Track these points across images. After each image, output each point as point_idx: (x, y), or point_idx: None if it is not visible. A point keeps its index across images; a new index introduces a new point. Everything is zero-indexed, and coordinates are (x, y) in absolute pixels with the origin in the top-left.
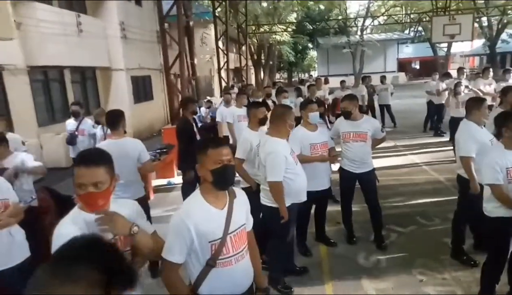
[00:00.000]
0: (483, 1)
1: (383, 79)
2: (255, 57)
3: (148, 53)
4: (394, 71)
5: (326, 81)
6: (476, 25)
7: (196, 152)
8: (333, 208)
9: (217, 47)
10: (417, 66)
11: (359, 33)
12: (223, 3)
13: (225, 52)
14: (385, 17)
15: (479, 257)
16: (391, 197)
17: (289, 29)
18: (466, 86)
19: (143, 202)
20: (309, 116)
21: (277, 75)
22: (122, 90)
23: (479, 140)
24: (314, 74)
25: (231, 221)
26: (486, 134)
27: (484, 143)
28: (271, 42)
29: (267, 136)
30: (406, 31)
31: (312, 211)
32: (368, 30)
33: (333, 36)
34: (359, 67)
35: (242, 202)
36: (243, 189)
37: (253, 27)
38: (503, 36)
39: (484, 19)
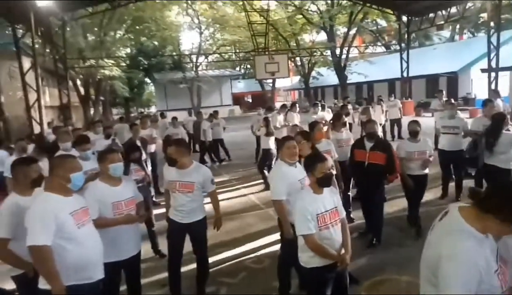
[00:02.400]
0: (295, 44)
1: (215, 114)
2: (82, 93)
3: None
4: (230, 105)
5: (155, 119)
6: (293, 64)
7: None
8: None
9: (24, 82)
10: (250, 100)
11: (194, 69)
12: (32, 32)
13: (35, 88)
14: (217, 55)
15: None
16: (221, 238)
17: (123, 64)
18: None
19: None
20: (110, 169)
21: (115, 111)
22: None
23: (290, 181)
24: (153, 109)
25: None
26: (297, 173)
27: (295, 184)
28: (99, 77)
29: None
30: (238, 68)
31: None
32: (203, 67)
33: (169, 71)
34: (197, 101)
35: None
36: (13, 277)
37: (79, 61)
38: (313, 73)
39: (298, 59)
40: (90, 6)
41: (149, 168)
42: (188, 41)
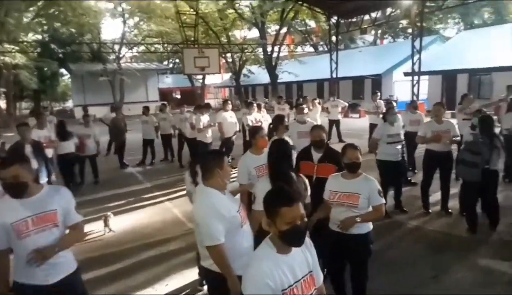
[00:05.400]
0: (226, 39)
1: (146, 111)
2: None
3: None
4: (157, 101)
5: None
6: (223, 60)
7: None
8: None
9: None
10: (178, 96)
11: (116, 61)
12: None
13: None
14: (143, 47)
15: None
16: (137, 274)
17: (31, 51)
18: None
19: None
20: None
21: (24, 105)
22: None
23: (226, 216)
24: (70, 103)
25: None
26: (231, 203)
27: (234, 219)
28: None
29: None
30: (166, 62)
31: None
32: (127, 59)
33: (88, 62)
34: (120, 96)
35: None
36: None
37: None
38: (244, 71)
39: (229, 55)
40: None
41: (45, 180)
42: (110, 30)
